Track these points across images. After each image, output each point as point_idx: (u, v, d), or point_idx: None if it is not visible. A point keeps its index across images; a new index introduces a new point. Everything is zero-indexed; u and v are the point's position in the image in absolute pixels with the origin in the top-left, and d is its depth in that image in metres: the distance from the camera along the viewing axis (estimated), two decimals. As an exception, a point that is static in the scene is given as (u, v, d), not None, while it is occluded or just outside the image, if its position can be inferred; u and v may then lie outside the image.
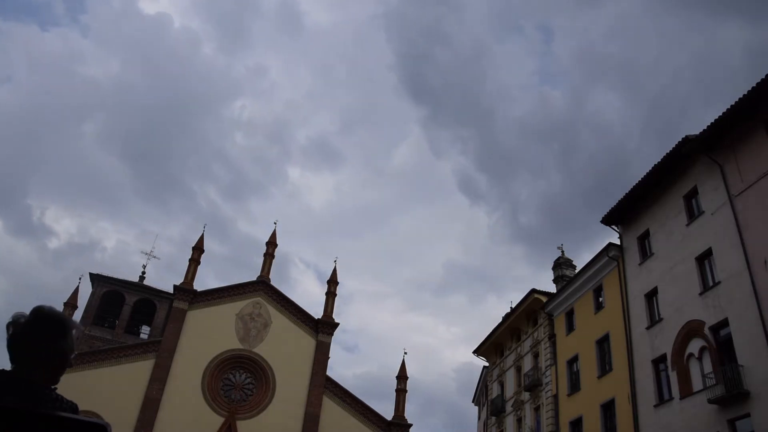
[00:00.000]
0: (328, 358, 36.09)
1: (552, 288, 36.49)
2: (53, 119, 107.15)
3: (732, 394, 18.94)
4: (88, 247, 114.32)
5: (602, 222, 28.93)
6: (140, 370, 31.64)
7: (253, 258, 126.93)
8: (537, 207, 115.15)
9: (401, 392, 36.40)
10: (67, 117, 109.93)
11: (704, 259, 22.72)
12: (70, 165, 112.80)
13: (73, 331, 2.44)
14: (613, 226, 29.02)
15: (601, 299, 29.58)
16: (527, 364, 35.56)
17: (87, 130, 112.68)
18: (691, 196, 24.28)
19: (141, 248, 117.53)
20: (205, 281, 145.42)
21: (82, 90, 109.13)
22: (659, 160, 24.65)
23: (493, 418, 39.23)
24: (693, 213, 23.94)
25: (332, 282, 38.54)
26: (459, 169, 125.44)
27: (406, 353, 38.03)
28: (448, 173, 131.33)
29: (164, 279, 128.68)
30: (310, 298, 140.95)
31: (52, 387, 2.30)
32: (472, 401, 49.87)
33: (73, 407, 2.31)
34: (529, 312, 36.29)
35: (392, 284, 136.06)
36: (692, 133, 23.06)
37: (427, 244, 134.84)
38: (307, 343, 35.86)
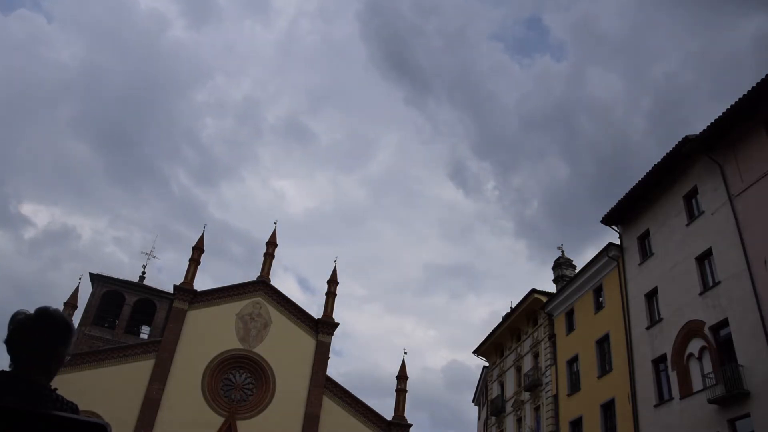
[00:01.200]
0: (328, 358, 36.12)
1: (552, 288, 36.52)
2: (22, 105, 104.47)
3: (732, 394, 18.93)
4: (63, 236, 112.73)
5: (602, 222, 28.93)
6: (140, 370, 31.64)
7: (228, 245, 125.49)
8: (537, 199, 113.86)
9: (401, 392, 36.40)
10: (36, 102, 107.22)
11: (704, 259, 22.72)
12: (41, 151, 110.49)
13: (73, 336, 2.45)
14: (613, 226, 29.01)
15: (601, 299, 29.58)
16: (527, 364, 35.55)
17: (57, 115, 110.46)
18: (691, 196, 24.27)
19: (114, 235, 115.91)
20: (178, 270, 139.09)
21: (50, 75, 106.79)
22: (659, 160, 24.67)
23: (493, 418, 39.23)
24: (693, 213, 23.94)
25: (332, 282, 38.56)
26: (451, 158, 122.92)
27: (406, 353, 38.12)
28: (437, 161, 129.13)
29: (136, 267, 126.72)
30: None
31: (53, 387, 2.30)
32: (472, 401, 49.87)
33: (73, 408, 2.31)
34: (529, 312, 36.28)
35: (373, 286, 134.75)
36: (692, 133, 23.08)
37: (410, 243, 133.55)
38: (307, 343, 35.87)
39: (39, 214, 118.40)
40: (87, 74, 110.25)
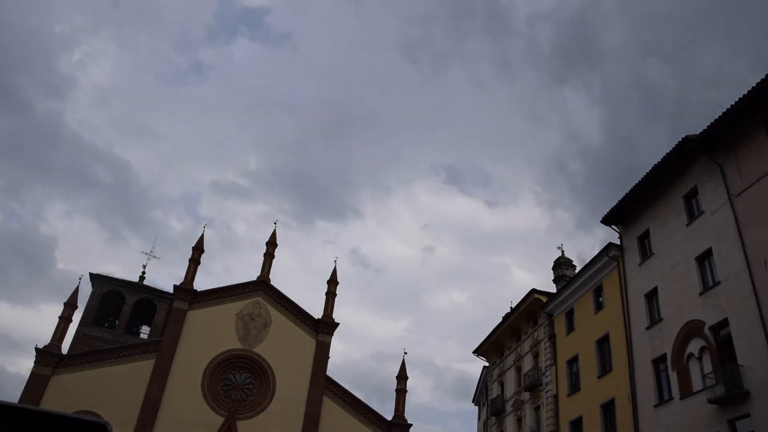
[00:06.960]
0: (328, 358, 36.14)
1: (552, 288, 36.53)
2: None
3: (732, 394, 18.93)
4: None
5: (602, 222, 28.93)
6: (140, 370, 31.65)
7: (94, 170, 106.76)
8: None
9: (401, 392, 36.41)
10: None
11: (704, 259, 22.72)
12: None
13: None
14: (613, 226, 29.02)
15: (601, 299, 29.58)
16: (527, 364, 35.55)
17: None
18: (691, 196, 24.27)
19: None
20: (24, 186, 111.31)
21: None
22: (659, 160, 24.68)
23: (493, 418, 39.22)
24: (693, 213, 23.94)
25: (332, 282, 38.57)
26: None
27: (406, 353, 38.11)
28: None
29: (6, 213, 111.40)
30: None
31: None
32: (472, 401, 49.85)
33: None
34: (529, 312, 36.28)
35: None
36: (692, 133, 23.09)
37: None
38: (307, 343, 35.88)
39: None
40: None
